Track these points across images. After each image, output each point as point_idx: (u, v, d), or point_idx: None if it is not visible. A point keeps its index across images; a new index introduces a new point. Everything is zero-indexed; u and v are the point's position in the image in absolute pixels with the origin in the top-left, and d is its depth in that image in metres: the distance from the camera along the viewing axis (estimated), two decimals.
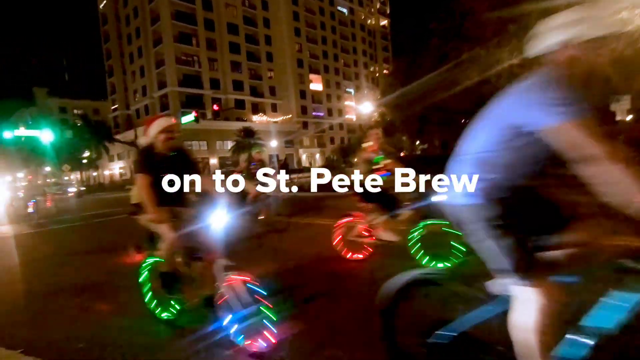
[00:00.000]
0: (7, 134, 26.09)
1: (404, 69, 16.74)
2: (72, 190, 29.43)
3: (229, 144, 48.83)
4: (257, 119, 59.78)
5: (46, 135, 29.77)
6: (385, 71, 79.32)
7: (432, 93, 14.17)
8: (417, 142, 45.32)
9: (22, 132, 27.61)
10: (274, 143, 50.55)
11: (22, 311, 3.70)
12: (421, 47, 15.56)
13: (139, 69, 57.16)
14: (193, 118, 27.99)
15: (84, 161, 48.07)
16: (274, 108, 64.60)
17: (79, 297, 3.91)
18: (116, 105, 65.03)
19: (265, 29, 64.14)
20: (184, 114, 35.87)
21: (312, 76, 71.59)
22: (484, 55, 12.14)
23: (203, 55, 54.74)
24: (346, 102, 79.76)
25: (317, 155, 68.23)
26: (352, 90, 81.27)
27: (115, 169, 60.01)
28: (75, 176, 56.00)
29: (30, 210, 12.31)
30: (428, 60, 14.34)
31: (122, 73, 62.82)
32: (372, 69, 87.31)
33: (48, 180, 51.39)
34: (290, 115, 65.49)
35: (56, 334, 2.99)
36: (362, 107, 47.21)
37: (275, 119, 60.90)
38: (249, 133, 44.56)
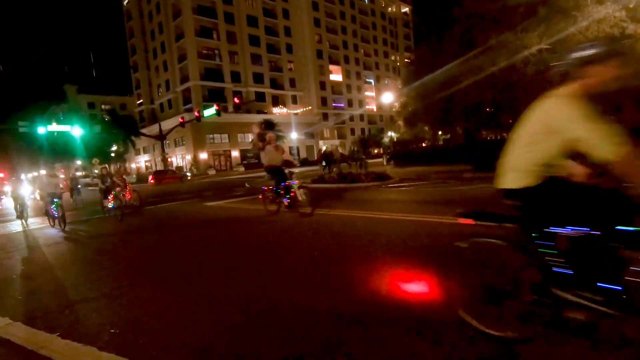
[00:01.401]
0: (41, 130, 27.36)
1: (426, 57, 16.29)
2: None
3: (250, 137, 49.29)
4: (278, 111, 60.03)
5: (76, 130, 31.03)
6: (406, 60, 77.66)
7: (456, 81, 13.74)
8: (440, 133, 44.30)
9: (54, 127, 28.83)
10: (294, 135, 50.69)
11: None
12: (444, 33, 15.07)
13: (162, 63, 58.37)
14: (215, 111, 28.46)
15: (112, 155, 49.82)
16: (294, 100, 64.63)
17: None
18: (141, 100, 66.83)
19: (285, 20, 63.90)
20: (206, 107, 36.46)
21: (332, 67, 70.99)
22: (512, 40, 11.62)
23: (224, 49, 55.24)
24: (366, 93, 78.77)
25: (326, 148, 67.93)
26: (372, 81, 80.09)
27: (142, 161, 61.96)
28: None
29: (109, 205, 10.38)
30: (451, 48, 13.87)
31: (146, 68, 64.34)
32: (393, 58, 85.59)
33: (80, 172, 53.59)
34: (310, 107, 65.38)
35: None
36: (382, 97, 46.47)
37: (295, 111, 60.96)
38: (269, 125, 44.77)
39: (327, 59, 70.08)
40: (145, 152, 60.33)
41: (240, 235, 6.60)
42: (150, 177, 35.31)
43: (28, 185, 14.36)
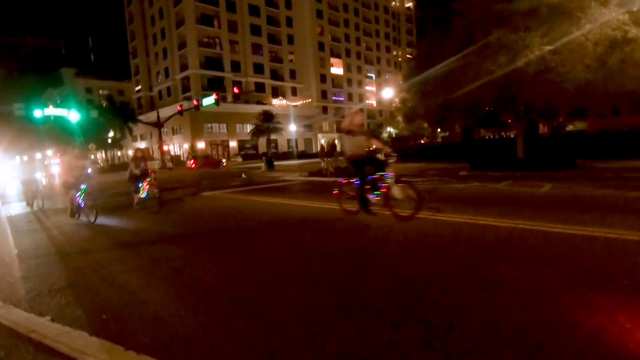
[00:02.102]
0: (38, 113, 27.07)
1: (427, 52, 16.19)
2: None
3: (249, 127, 49.12)
4: (277, 102, 59.72)
5: (73, 115, 30.75)
6: (408, 55, 77.31)
7: (456, 79, 13.70)
8: (438, 130, 44.33)
9: (51, 111, 28.54)
10: (292, 127, 50.51)
11: None
12: (445, 29, 14.96)
13: (162, 50, 57.75)
14: (214, 101, 28.29)
15: (109, 141, 49.47)
16: (294, 92, 64.28)
17: None
18: (139, 87, 66.22)
19: (287, 10, 63.25)
20: (205, 96, 36.19)
21: (333, 60, 70.56)
22: (513, 39, 11.57)
23: (224, 37, 54.69)
24: (367, 87, 78.48)
25: (336, 141, 67.78)
26: (373, 75, 79.77)
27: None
28: (100, 155, 57.86)
29: (142, 194, 8.81)
30: (452, 44, 13.78)
31: (146, 55, 63.65)
32: (394, 53, 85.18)
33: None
34: (310, 100, 65.08)
35: None
36: (383, 92, 46.32)
37: (294, 103, 60.66)
38: (268, 117, 44.59)
39: (328, 52, 69.62)
40: (142, 139, 59.99)
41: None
42: (191, 161, 35.36)
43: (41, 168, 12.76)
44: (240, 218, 7.21)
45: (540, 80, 11.64)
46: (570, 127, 27.47)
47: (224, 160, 38.57)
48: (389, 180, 5.99)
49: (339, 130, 71.01)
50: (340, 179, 7.03)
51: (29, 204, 10.54)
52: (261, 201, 9.43)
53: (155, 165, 32.83)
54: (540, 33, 11.33)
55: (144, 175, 8.83)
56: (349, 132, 6.18)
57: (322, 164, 18.49)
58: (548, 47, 11.27)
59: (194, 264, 4.12)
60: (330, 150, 18.56)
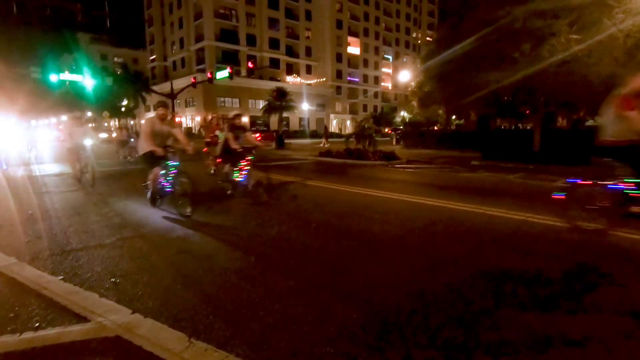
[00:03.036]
0: (53, 77, 27.23)
1: (448, 37, 15.65)
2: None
3: (261, 104, 48.78)
4: (291, 80, 58.94)
5: (88, 81, 30.84)
6: (428, 38, 74.98)
7: (475, 65, 13.28)
8: (453, 117, 43.48)
9: (66, 76, 28.65)
10: (305, 106, 50.02)
11: None
12: (467, 13, 14.40)
13: (178, 20, 56.98)
14: (228, 74, 28.04)
15: (122, 109, 49.74)
16: (309, 70, 63.24)
17: None
18: (154, 56, 65.82)
19: None
20: (219, 69, 35.85)
21: (350, 39, 68.83)
22: (539, 26, 11.08)
23: (241, 10, 53.60)
24: (383, 69, 76.74)
25: (348, 122, 67.05)
26: (390, 57, 77.80)
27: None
28: (114, 123, 58.36)
29: (239, 178, 6.51)
30: (474, 28, 13.26)
31: (161, 23, 62.91)
32: (414, 35, 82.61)
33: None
34: (324, 79, 64.04)
35: None
36: (399, 75, 45.31)
37: (309, 81, 59.81)
38: (281, 94, 44.12)
39: (346, 30, 67.84)
40: (155, 109, 60.16)
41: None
42: (257, 136, 32.15)
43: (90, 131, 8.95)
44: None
45: (564, 70, 11.22)
46: (590, 122, 26.61)
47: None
48: None
49: (352, 112, 70.17)
50: (572, 179, 4.42)
51: (77, 177, 8.32)
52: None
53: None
54: (569, 21, 10.84)
55: (244, 152, 6.32)
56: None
57: (324, 144, 18.31)
58: (575, 36, 10.80)
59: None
60: (360, 132, 17.24)
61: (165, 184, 5.32)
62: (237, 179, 6.50)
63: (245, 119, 52.78)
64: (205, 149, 10.20)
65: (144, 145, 5.25)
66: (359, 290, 2.83)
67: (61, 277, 3.01)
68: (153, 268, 3.27)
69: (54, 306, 2.55)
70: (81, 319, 2.37)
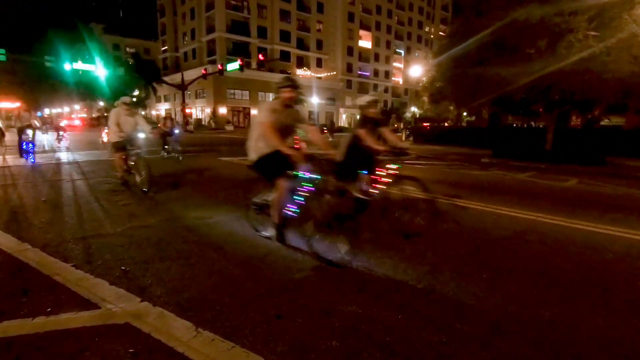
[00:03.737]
0: (67, 66, 27.58)
1: (462, 31, 15.39)
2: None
3: (271, 96, 48.69)
4: (301, 73, 58.70)
5: (100, 70, 31.16)
6: (441, 33, 73.89)
7: (490, 61, 13.06)
8: (464, 113, 42.94)
9: (79, 65, 29.00)
10: (315, 99, 49.85)
11: None
12: (482, 6, 14.12)
13: (190, 10, 56.99)
14: (238, 66, 28.06)
15: (134, 99, 50.13)
16: (319, 63, 62.87)
17: None
18: (166, 47, 66.07)
19: None
20: (230, 61, 35.88)
21: (361, 32, 68.15)
22: (557, 21, 10.82)
23: (253, 1, 53.36)
24: (394, 64, 75.93)
25: (358, 117, 66.64)
26: (402, 51, 76.89)
27: (162, 109, 62.31)
28: (156, 112, 58.81)
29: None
30: (489, 23, 13.01)
31: (173, 14, 63.01)
32: (427, 29, 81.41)
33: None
34: (334, 72, 63.63)
35: None
36: (411, 70, 44.79)
37: (319, 75, 59.50)
38: (294, 85, 44.03)
39: (357, 23, 67.15)
40: (165, 100, 60.50)
41: None
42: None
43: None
44: None
45: (581, 68, 10.96)
46: (605, 122, 26.07)
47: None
48: None
49: (361, 106, 69.62)
50: None
51: (124, 179, 6.63)
52: None
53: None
54: (588, 17, 10.56)
55: (393, 156, 4.35)
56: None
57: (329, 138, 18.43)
58: (594, 33, 10.53)
59: None
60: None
61: (291, 205, 3.51)
62: (366, 194, 4.43)
63: (254, 111, 52.74)
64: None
65: (261, 143, 3.52)
66: None
67: (72, 264, 3.07)
68: None
69: (66, 292, 2.60)
70: (92, 305, 2.42)
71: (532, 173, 10.60)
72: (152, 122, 36.82)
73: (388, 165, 4.35)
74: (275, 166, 3.45)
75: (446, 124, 47.02)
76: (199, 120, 49.56)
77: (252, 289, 2.75)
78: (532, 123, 32.71)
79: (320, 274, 3.07)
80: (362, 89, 69.34)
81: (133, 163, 6.39)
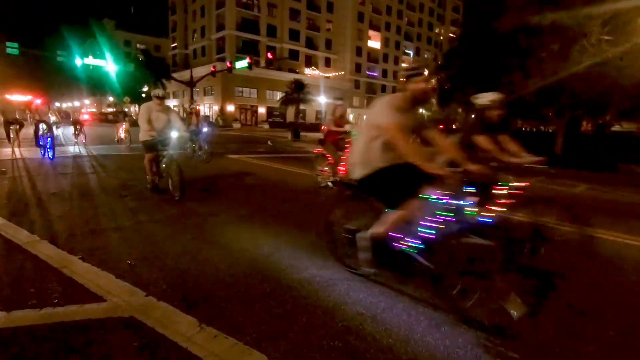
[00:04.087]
0: (78, 61, 27.88)
1: (473, 34, 15.29)
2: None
3: (279, 95, 48.81)
4: (310, 72, 58.70)
5: (111, 66, 31.47)
6: (451, 35, 73.37)
7: (500, 65, 12.95)
8: (472, 116, 42.53)
9: (90, 60, 29.29)
10: (322, 99, 49.82)
11: None
12: (496, 9, 14.00)
13: (200, 8, 57.34)
14: (247, 64, 28.09)
15: (143, 95, 50.55)
16: (328, 63, 62.84)
17: None
18: (176, 44, 66.56)
19: None
20: (239, 59, 36.00)
21: (371, 32, 67.94)
22: (570, 25, 10.69)
23: (263, 0, 53.53)
24: (403, 65, 75.55)
25: (365, 117, 66.48)
26: (411, 52, 76.52)
27: (170, 106, 62.77)
28: (134, 108, 59.48)
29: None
30: (501, 26, 12.90)
31: (184, 11, 63.44)
32: (437, 30, 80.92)
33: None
34: (343, 72, 63.53)
35: None
36: None
37: (327, 74, 59.45)
38: (299, 86, 44.08)
39: (367, 24, 66.96)
40: (174, 97, 60.95)
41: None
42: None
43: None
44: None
45: (594, 73, 10.81)
46: (616, 128, 25.70)
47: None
48: None
49: (369, 107, 69.44)
50: None
51: (154, 182, 5.85)
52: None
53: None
54: (602, 21, 10.41)
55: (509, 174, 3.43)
56: None
57: None
58: (607, 37, 10.38)
59: None
60: None
61: (412, 239, 2.56)
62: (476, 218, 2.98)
63: (262, 110, 52.80)
64: (319, 149, 7.05)
65: (382, 153, 2.61)
66: None
67: (80, 257, 3.10)
68: None
69: (73, 285, 2.62)
70: (98, 298, 2.44)
71: (541, 178, 10.48)
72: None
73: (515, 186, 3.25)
74: (402, 185, 2.50)
75: (454, 126, 46.64)
76: (206, 117, 49.80)
77: None
78: (542, 127, 32.33)
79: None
80: (370, 90, 69.14)
81: (164, 166, 5.63)
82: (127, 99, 33.81)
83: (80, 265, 2.93)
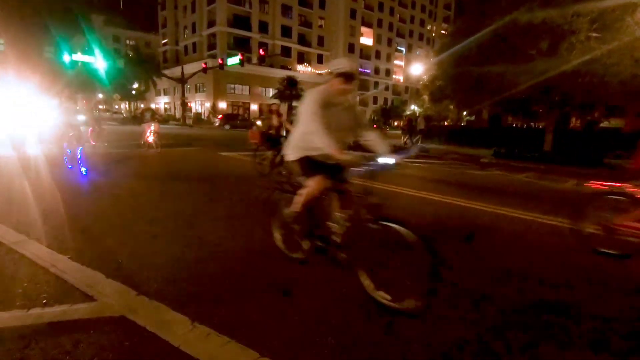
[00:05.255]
0: (66, 58, 27.39)
1: (464, 31, 15.35)
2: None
3: (271, 92, 48.64)
4: (302, 69, 58.52)
5: (100, 63, 30.99)
6: (442, 31, 73.66)
7: (491, 61, 13.03)
8: (465, 113, 42.93)
9: (79, 57, 28.81)
10: None
11: None
12: (485, 5, 14.07)
13: (191, 4, 56.70)
14: (238, 61, 27.96)
15: (133, 92, 49.83)
16: (320, 59, 62.70)
17: None
18: (166, 40, 65.74)
19: None
20: (230, 55, 35.75)
21: (363, 29, 67.94)
22: (559, 23, 10.80)
23: None
24: (396, 62, 75.77)
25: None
26: (403, 49, 76.72)
27: (161, 103, 62.10)
28: (124, 106, 58.67)
29: None
30: (491, 23, 12.97)
31: (174, 7, 62.64)
32: (429, 27, 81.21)
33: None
34: None
35: None
36: (412, 68, 44.71)
37: (319, 71, 59.35)
38: (292, 83, 43.96)
39: (359, 20, 66.92)
40: (165, 93, 60.28)
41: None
42: None
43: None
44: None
45: (582, 70, 10.96)
46: (604, 124, 26.14)
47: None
48: None
49: (362, 104, 69.61)
50: None
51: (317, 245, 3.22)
52: None
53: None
54: (590, 18, 10.54)
55: None
56: None
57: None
58: (596, 35, 10.52)
59: None
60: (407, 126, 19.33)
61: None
62: None
63: (254, 107, 52.51)
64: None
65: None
66: None
67: (69, 256, 3.06)
68: None
69: (62, 284, 2.59)
70: (88, 297, 2.41)
71: (531, 174, 10.62)
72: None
73: None
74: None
75: (446, 123, 46.98)
76: (198, 115, 49.40)
77: None
78: (533, 124, 32.73)
79: None
80: (363, 87, 69.23)
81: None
82: (117, 95, 33.36)
83: (70, 265, 2.89)
